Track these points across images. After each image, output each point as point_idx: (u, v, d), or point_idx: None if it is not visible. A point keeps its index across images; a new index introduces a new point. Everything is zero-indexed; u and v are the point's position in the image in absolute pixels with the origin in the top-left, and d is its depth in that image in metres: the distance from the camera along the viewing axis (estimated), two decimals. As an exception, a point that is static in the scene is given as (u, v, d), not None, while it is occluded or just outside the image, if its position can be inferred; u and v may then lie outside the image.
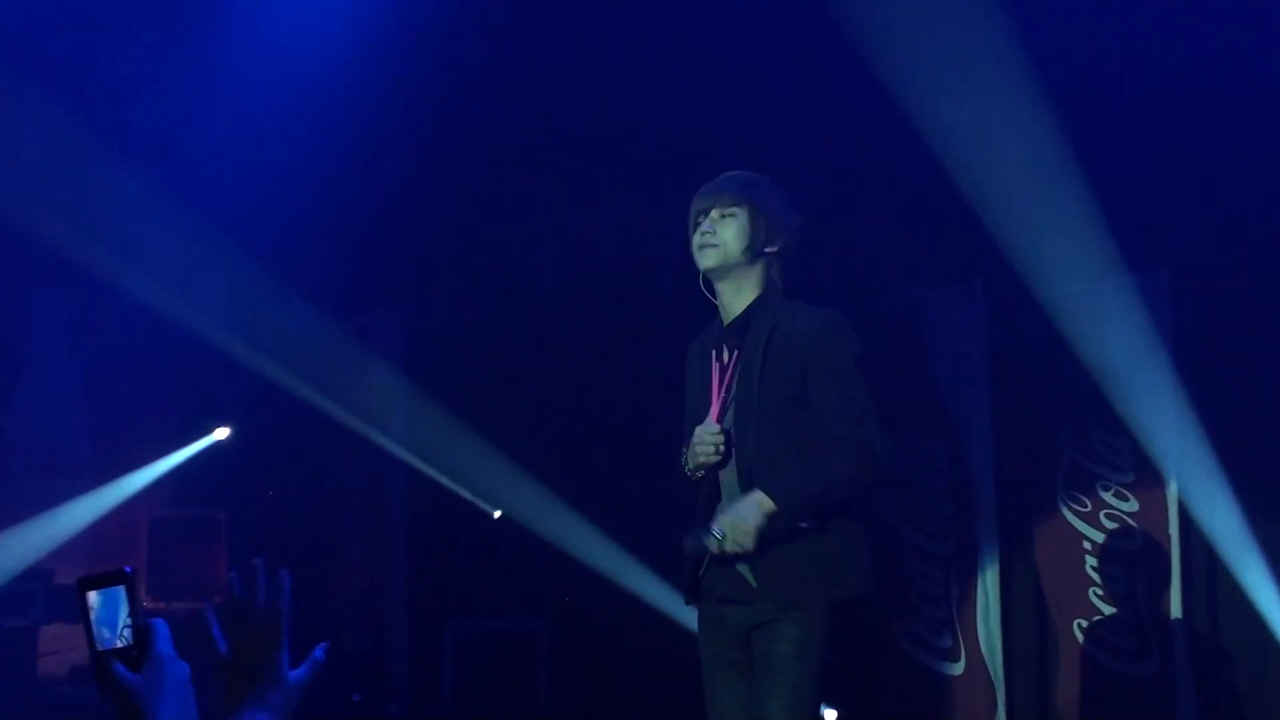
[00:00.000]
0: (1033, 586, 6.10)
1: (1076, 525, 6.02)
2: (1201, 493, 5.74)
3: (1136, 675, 5.87)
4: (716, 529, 3.69)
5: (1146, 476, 5.88)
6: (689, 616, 6.83)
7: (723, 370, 3.79)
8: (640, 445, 6.78)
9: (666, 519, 6.82)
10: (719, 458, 3.74)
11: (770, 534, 3.69)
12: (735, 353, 3.79)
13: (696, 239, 3.87)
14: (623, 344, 7.04)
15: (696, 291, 6.81)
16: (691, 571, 3.85)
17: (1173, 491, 5.81)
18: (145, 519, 8.03)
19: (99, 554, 7.72)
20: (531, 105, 6.89)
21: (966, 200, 5.64)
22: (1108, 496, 5.96)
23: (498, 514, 7.26)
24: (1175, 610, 5.79)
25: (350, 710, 7.17)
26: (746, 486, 3.72)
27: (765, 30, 6.30)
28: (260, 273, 7.42)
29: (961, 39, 5.58)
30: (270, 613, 2.04)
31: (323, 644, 2.09)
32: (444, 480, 7.39)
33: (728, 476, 3.79)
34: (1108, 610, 5.91)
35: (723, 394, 3.76)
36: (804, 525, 3.66)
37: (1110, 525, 5.95)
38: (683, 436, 3.99)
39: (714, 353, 3.89)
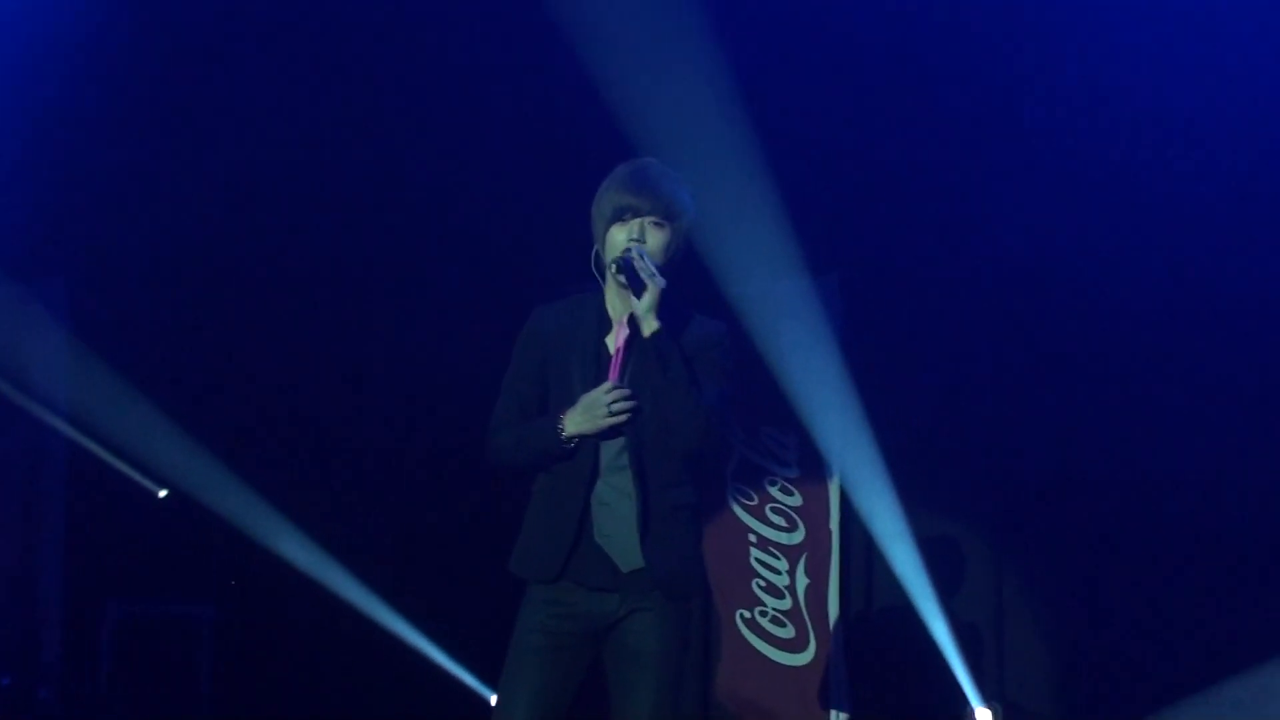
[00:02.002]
0: (700, 578, 6.19)
1: (743, 518, 6.19)
2: (863, 489, 5.96)
3: (794, 664, 6.06)
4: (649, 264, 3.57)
5: (811, 472, 6.08)
6: (368, 603, 6.69)
7: (625, 350, 3.66)
8: (323, 423, 6.84)
9: (347, 501, 6.84)
10: (621, 419, 3.61)
11: (654, 501, 3.63)
12: (630, 335, 3.68)
13: (621, 239, 3.66)
14: (303, 321, 6.89)
15: (383, 263, 6.85)
16: (568, 550, 3.65)
17: (835, 487, 6.03)
18: None
19: None
20: (214, 60, 6.66)
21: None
22: (774, 491, 6.15)
23: (163, 493, 6.98)
24: (833, 602, 6.00)
25: (-3, 694, 6.81)
26: (636, 458, 3.64)
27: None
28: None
29: (653, 36, 5.60)
30: None
31: None
32: (108, 457, 7.05)
33: (610, 448, 3.67)
34: (770, 601, 6.10)
35: (620, 371, 3.65)
36: (686, 499, 3.67)
37: (775, 519, 6.13)
38: (512, 403, 3.78)
39: (597, 335, 3.76)
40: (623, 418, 3.61)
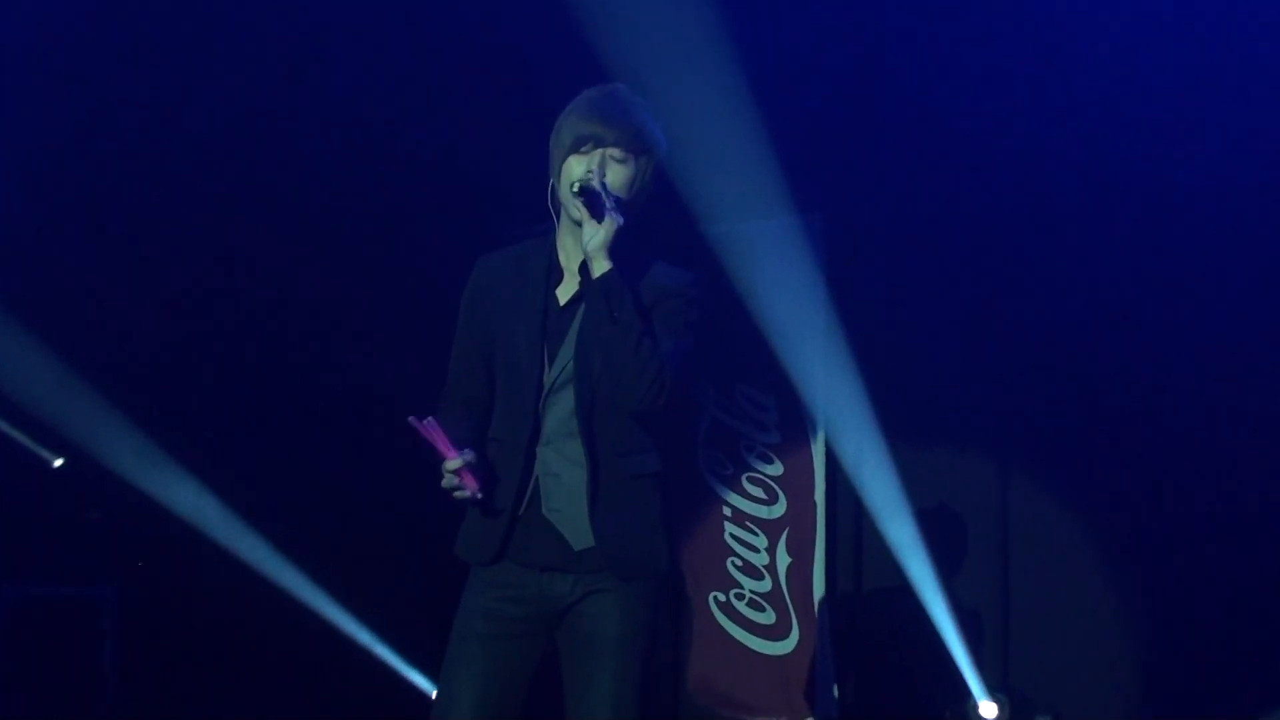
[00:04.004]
0: (666, 555, 5.94)
1: (716, 489, 6.03)
2: (851, 455, 5.75)
3: (775, 653, 5.87)
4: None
5: (794, 437, 5.90)
6: (292, 582, 6.45)
7: (571, 306, 3.42)
8: (243, 382, 6.55)
9: (269, 469, 6.43)
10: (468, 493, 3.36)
11: (607, 470, 3.37)
12: (578, 289, 3.45)
13: (579, 172, 3.40)
14: (224, 267, 6.53)
15: (314, 200, 6.52)
16: (507, 528, 3.40)
17: (820, 453, 5.85)
18: None
19: None
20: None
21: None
22: (751, 459, 5.99)
23: (58, 463, 6.45)
24: (818, 583, 5.82)
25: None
26: (586, 423, 3.38)
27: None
28: None
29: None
30: None
31: None
32: (-2, 422, 6.59)
33: (558, 413, 3.40)
34: (747, 583, 5.95)
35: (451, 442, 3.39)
36: (647, 467, 3.41)
37: (753, 490, 5.97)
38: (460, 366, 3.54)
39: (545, 287, 3.50)
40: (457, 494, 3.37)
